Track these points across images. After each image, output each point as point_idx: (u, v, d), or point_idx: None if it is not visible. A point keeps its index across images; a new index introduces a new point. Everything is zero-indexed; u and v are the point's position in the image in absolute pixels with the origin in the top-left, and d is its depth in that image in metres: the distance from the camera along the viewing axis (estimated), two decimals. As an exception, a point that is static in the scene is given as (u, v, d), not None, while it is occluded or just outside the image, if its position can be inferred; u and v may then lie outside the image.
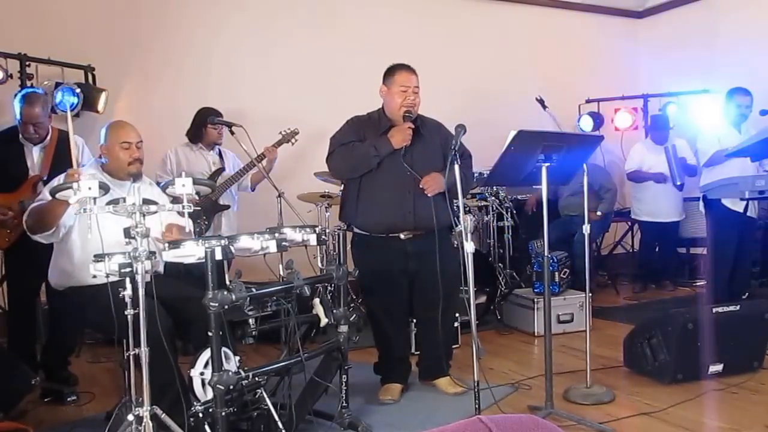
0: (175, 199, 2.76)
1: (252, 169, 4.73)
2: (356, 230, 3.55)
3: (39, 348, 3.91)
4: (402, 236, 3.45)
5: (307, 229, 2.97)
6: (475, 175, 5.65)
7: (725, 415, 3.16)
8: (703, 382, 3.51)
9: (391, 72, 3.50)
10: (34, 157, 3.76)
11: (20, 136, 3.74)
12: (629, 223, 6.96)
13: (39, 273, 3.50)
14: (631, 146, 6.60)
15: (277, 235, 2.75)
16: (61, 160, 3.74)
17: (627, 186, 7.05)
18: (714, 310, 3.61)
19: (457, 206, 2.97)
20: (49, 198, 2.87)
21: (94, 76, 5.19)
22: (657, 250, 6.57)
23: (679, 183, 6.07)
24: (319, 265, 3.26)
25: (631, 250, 7.17)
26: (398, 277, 3.51)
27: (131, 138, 3.16)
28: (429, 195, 3.35)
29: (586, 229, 3.50)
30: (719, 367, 3.57)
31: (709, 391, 3.43)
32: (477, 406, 2.96)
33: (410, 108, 3.42)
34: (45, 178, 3.67)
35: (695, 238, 6.55)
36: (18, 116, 3.73)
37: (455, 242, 3.42)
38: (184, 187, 2.63)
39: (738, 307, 3.67)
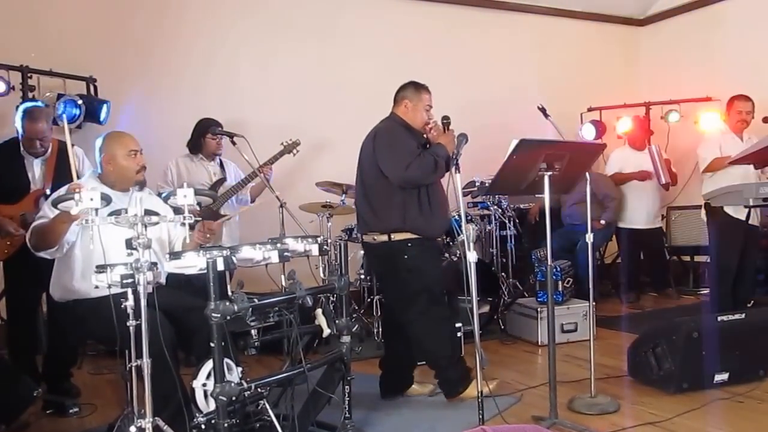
0: (177, 210, 2.75)
1: (252, 181, 4.73)
2: (410, 235, 3.49)
3: (40, 359, 3.89)
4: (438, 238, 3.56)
5: (309, 240, 2.96)
6: (477, 183, 5.68)
7: (731, 425, 3.14)
8: (708, 392, 3.49)
9: (417, 90, 3.65)
10: (36, 170, 3.75)
11: (21, 148, 3.73)
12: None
13: (39, 284, 3.50)
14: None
15: (279, 245, 2.74)
16: (62, 172, 3.73)
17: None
18: (719, 318, 3.59)
19: (459, 215, 2.99)
20: (51, 216, 2.87)
21: (96, 88, 5.21)
22: (641, 257, 6.61)
23: (665, 182, 6.13)
24: (321, 275, 3.26)
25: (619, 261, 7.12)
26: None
27: (136, 146, 3.19)
28: None
29: (590, 238, 3.48)
30: (725, 376, 3.55)
31: (715, 401, 3.41)
32: (481, 416, 2.95)
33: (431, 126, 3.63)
34: (48, 192, 3.66)
35: (692, 246, 6.58)
36: (21, 131, 3.71)
37: (458, 251, 3.46)
38: (185, 197, 2.62)
39: (743, 316, 3.66)
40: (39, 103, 4.17)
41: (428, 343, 3.53)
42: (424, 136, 3.63)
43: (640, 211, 6.36)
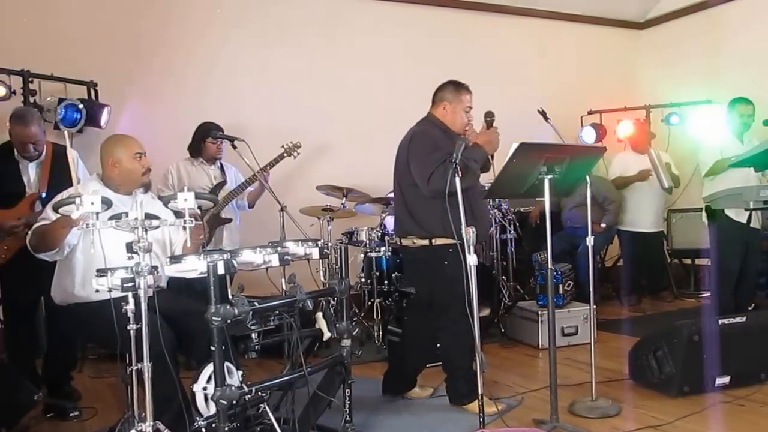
0: (177, 214, 2.75)
1: (252, 185, 4.74)
2: (452, 240, 3.28)
3: (40, 363, 3.88)
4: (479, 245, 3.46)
5: (310, 243, 2.96)
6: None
7: (733, 428, 3.14)
8: (709, 395, 3.48)
9: (457, 91, 3.56)
10: (31, 174, 3.74)
11: (15, 152, 3.72)
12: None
13: (37, 288, 3.50)
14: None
15: (279, 249, 2.74)
16: (57, 175, 3.72)
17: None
18: (720, 321, 3.58)
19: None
20: (53, 218, 2.87)
21: (96, 92, 5.22)
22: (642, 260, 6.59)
23: (666, 186, 6.13)
24: (322, 278, 3.25)
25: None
26: None
27: (141, 149, 3.21)
28: None
29: (590, 241, 3.48)
30: (726, 380, 3.54)
31: (716, 404, 3.40)
32: (481, 419, 2.94)
33: (470, 128, 3.53)
34: (43, 196, 3.66)
35: (693, 249, 6.57)
36: (14, 136, 3.70)
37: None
38: (186, 201, 2.62)
39: (744, 319, 3.65)
40: (30, 108, 4.15)
41: (452, 352, 3.50)
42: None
43: (643, 214, 6.37)
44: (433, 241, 3.43)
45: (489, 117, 3.43)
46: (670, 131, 7.07)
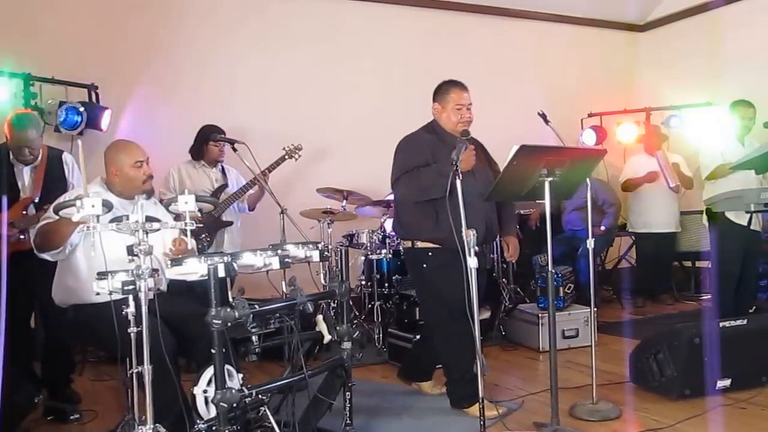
0: (178, 216, 2.76)
1: (253, 187, 4.74)
2: (431, 244, 3.35)
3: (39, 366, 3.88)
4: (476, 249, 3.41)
5: (310, 246, 2.96)
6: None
7: (734, 431, 3.13)
8: (710, 398, 3.48)
9: (444, 91, 3.51)
10: (25, 178, 3.72)
11: (11, 156, 3.72)
12: (633, 237, 6.94)
13: (31, 291, 3.49)
14: (634, 160, 6.63)
15: (279, 251, 2.75)
16: (52, 179, 3.71)
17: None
18: (721, 324, 3.58)
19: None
20: (57, 217, 2.87)
21: (97, 95, 5.23)
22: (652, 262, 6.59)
23: (672, 185, 6.13)
24: (322, 281, 3.25)
25: (635, 265, 7.14)
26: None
27: (143, 156, 3.21)
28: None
29: (590, 243, 3.48)
30: (727, 383, 3.54)
31: (717, 407, 3.40)
32: (482, 423, 2.94)
33: (467, 126, 3.46)
34: (36, 201, 3.65)
35: (694, 251, 6.57)
36: (10, 139, 3.69)
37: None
38: (187, 204, 2.63)
39: (745, 321, 3.65)
40: (29, 111, 4.15)
41: (444, 354, 3.52)
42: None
43: (656, 216, 6.36)
44: (415, 243, 3.45)
45: (464, 135, 3.30)
46: (670, 134, 7.06)
